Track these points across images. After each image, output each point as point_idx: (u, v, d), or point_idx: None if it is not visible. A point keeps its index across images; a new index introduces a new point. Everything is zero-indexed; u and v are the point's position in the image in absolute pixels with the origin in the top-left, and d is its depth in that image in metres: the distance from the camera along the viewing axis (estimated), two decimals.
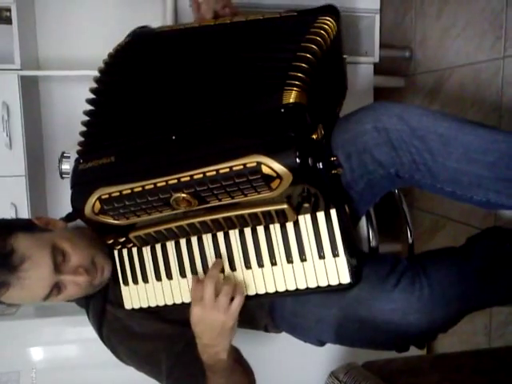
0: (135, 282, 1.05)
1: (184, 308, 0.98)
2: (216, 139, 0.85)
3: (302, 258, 0.96)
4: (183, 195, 0.84)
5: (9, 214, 1.69)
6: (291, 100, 0.83)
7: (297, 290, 0.97)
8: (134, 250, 1.04)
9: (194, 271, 1.00)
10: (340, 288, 0.95)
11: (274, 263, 0.97)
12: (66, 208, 0.98)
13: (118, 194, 0.85)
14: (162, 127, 0.91)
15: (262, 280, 0.98)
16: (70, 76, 1.84)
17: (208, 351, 0.97)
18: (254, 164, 0.79)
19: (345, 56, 1.09)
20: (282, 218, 0.93)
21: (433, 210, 1.82)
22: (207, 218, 0.91)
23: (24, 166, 1.74)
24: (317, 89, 0.90)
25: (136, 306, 1.06)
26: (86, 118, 0.99)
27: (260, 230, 0.97)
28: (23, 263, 0.96)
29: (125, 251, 1.05)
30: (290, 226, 0.96)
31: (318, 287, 0.96)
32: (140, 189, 0.84)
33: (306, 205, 0.90)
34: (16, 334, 1.57)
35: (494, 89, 1.49)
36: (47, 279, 0.98)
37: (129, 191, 0.85)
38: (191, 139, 0.86)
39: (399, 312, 0.98)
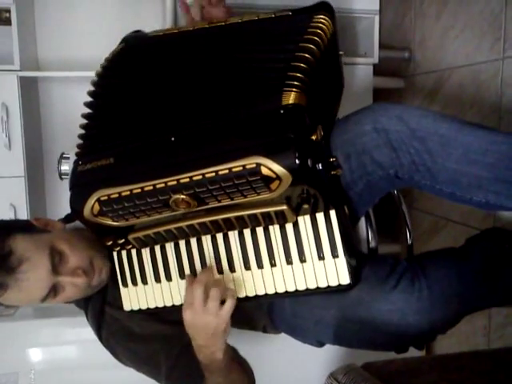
0: (134, 283, 1.05)
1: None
2: (215, 140, 0.85)
3: (302, 259, 0.96)
4: (182, 196, 0.84)
5: (8, 215, 1.69)
6: (290, 101, 0.83)
7: (296, 291, 0.97)
8: (133, 251, 1.04)
9: (193, 273, 1.00)
10: (339, 289, 0.95)
11: (273, 264, 0.97)
12: (65, 209, 0.98)
13: (117, 195, 0.85)
14: (160, 129, 0.91)
15: (262, 281, 0.98)
16: (70, 77, 1.84)
17: (203, 351, 0.97)
18: (254, 165, 0.79)
19: (341, 52, 1.09)
20: (281, 219, 0.93)
21: (432, 211, 1.82)
22: (206, 220, 0.91)
23: (23, 166, 1.75)
24: (315, 89, 0.89)
25: (135, 308, 1.06)
26: (85, 121, 0.99)
27: (259, 231, 0.97)
28: (21, 265, 0.95)
29: (124, 253, 1.05)
30: (289, 227, 0.96)
31: (318, 288, 0.96)
32: (139, 190, 0.84)
33: (306, 206, 0.90)
34: (15, 334, 1.57)
35: (493, 90, 1.49)
36: (45, 281, 0.98)
37: (128, 193, 0.85)
38: (190, 141, 0.86)
39: (398, 313, 0.98)
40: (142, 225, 0.93)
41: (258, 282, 0.98)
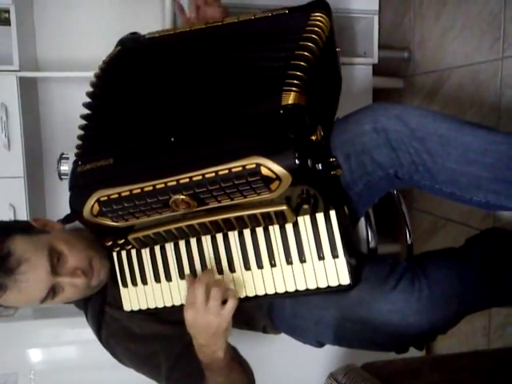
0: (134, 283, 1.05)
1: (183, 309, 0.98)
2: (215, 141, 0.85)
3: (302, 260, 0.96)
4: (182, 197, 0.83)
5: (7, 216, 1.69)
6: (290, 101, 0.83)
7: (296, 291, 0.97)
8: (133, 251, 1.04)
9: (193, 273, 1.00)
10: (339, 289, 0.95)
11: (273, 264, 0.97)
12: (65, 209, 0.98)
13: (116, 195, 0.85)
14: (160, 129, 0.91)
15: (262, 281, 0.98)
16: (69, 77, 1.84)
17: (204, 350, 0.97)
18: (254, 165, 0.79)
19: (338, 49, 1.08)
20: (281, 219, 0.93)
21: (432, 211, 1.82)
22: (206, 220, 0.91)
23: (22, 167, 1.74)
24: (315, 88, 0.89)
25: (135, 308, 1.06)
26: (84, 122, 0.99)
27: (259, 231, 0.97)
28: (20, 266, 0.95)
29: (124, 253, 1.05)
30: (289, 227, 0.96)
31: (318, 288, 0.96)
32: (139, 191, 0.84)
33: (306, 206, 0.90)
34: (14, 335, 1.57)
35: (492, 90, 1.49)
36: (44, 281, 0.98)
37: (127, 193, 0.85)
38: (190, 141, 0.86)
39: (398, 313, 0.98)
40: (142, 225, 0.93)
41: (257, 282, 0.98)
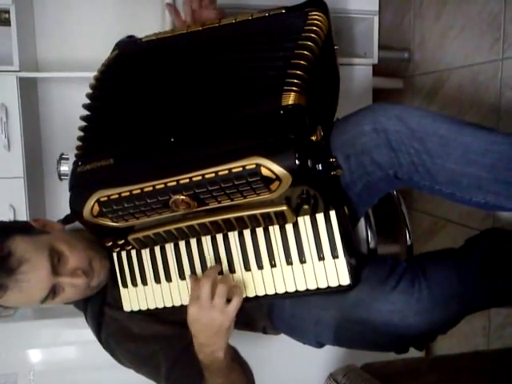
0: (134, 284, 1.05)
1: (183, 309, 0.98)
2: (215, 141, 0.85)
3: (302, 260, 0.96)
4: (182, 197, 0.83)
5: (7, 216, 1.69)
6: (290, 102, 0.83)
7: (296, 291, 0.97)
8: (133, 252, 1.04)
9: (193, 273, 1.00)
10: (339, 290, 0.95)
11: (273, 265, 0.97)
12: (65, 210, 0.98)
13: (116, 196, 0.85)
14: (160, 130, 0.91)
15: (262, 282, 0.98)
16: (69, 77, 1.84)
17: (204, 350, 0.97)
18: (254, 166, 0.79)
19: (336, 47, 1.08)
20: (281, 219, 0.93)
21: (431, 212, 1.82)
22: (206, 220, 0.91)
23: (22, 167, 1.74)
24: (315, 87, 0.89)
25: (135, 309, 1.06)
26: (84, 124, 0.99)
27: (259, 231, 0.97)
28: (21, 266, 0.95)
29: (124, 254, 1.04)
30: (289, 227, 0.96)
31: (318, 289, 0.96)
32: (139, 191, 0.84)
33: (306, 206, 0.90)
34: (14, 335, 1.57)
35: (492, 90, 1.49)
36: (45, 282, 0.98)
37: (128, 193, 0.85)
38: (190, 141, 0.86)
39: (398, 313, 0.98)
40: (142, 225, 0.93)
41: (257, 282, 0.98)
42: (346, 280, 0.94)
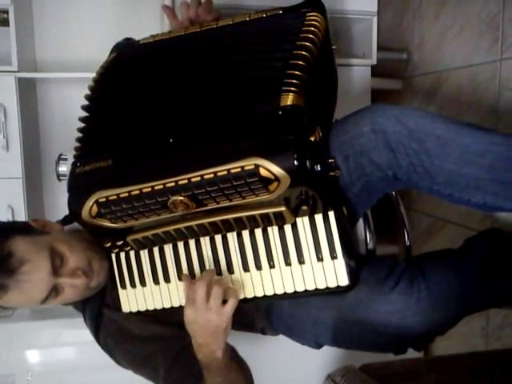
0: (133, 285, 1.05)
1: (182, 310, 0.98)
2: (214, 142, 0.85)
3: (301, 261, 0.96)
4: (181, 198, 0.83)
5: (5, 217, 1.69)
6: (289, 102, 0.83)
7: (295, 292, 0.97)
8: (132, 253, 1.04)
9: (191, 274, 1.00)
10: (338, 290, 0.95)
11: (272, 266, 0.97)
12: (63, 210, 0.98)
13: (115, 197, 0.85)
14: (159, 130, 0.91)
15: (261, 283, 0.98)
16: (68, 78, 1.84)
17: (203, 350, 0.97)
18: (252, 167, 0.79)
19: (334, 47, 1.08)
20: (280, 220, 0.93)
21: (430, 212, 1.82)
22: (205, 221, 0.91)
23: (21, 168, 1.74)
24: (313, 88, 0.89)
25: (134, 310, 1.06)
26: (82, 125, 0.98)
27: (258, 232, 0.97)
28: (22, 266, 0.95)
29: (122, 254, 1.05)
30: (288, 228, 0.96)
31: (317, 290, 0.96)
32: (137, 192, 0.84)
33: (304, 207, 0.90)
34: (12, 336, 1.57)
35: (491, 91, 1.50)
36: (46, 282, 0.98)
37: (126, 194, 0.85)
38: (189, 142, 0.86)
39: (397, 314, 0.98)
40: (141, 226, 0.93)
41: (256, 283, 0.98)
42: (344, 281, 0.94)
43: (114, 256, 1.05)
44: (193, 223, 0.92)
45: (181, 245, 1.00)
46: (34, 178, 1.89)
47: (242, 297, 0.98)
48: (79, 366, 1.57)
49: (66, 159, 1.46)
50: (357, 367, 0.94)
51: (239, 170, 0.79)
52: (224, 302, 0.93)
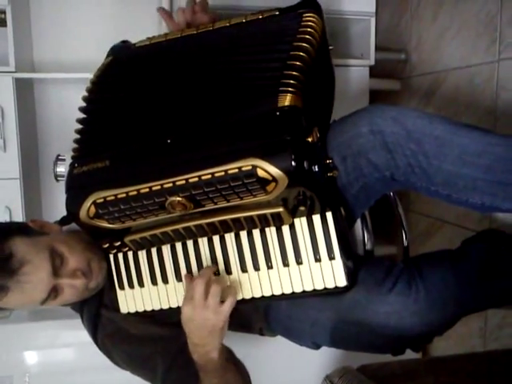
0: (131, 286, 1.05)
1: (180, 311, 0.98)
2: (211, 142, 0.85)
3: (298, 261, 0.96)
4: (178, 199, 0.83)
5: (3, 218, 1.69)
6: (286, 103, 0.83)
7: (293, 293, 0.97)
8: (130, 254, 1.04)
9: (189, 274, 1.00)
10: (336, 291, 0.95)
11: (270, 266, 0.97)
12: (61, 211, 0.97)
13: (113, 197, 0.85)
14: (157, 131, 0.91)
15: (258, 283, 0.98)
16: (65, 78, 1.83)
17: (198, 350, 0.97)
18: (250, 167, 0.79)
19: (331, 47, 1.08)
20: (277, 221, 0.93)
21: (428, 213, 1.82)
22: (203, 222, 0.91)
23: (18, 168, 1.74)
24: (311, 88, 0.90)
25: (132, 310, 1.06)
26: (80, 127, 0.98)
27: (256, 233, 0.97)
28: (22, 267, 0.95)
29: (120, 255, 1.04)
30: (285, 229, 0.96)
31: (315, 290, 0.96)
32: (135, 192, 0.84)
33: (302, 208, 0.90)
34: (10, 337, 1.56)
35: (488, 92, 1.50)
36: (46, 283, 0.98)
37: (124, 195, 0.85)
38: (186, 143, 0.86)
39: (395, 315, 0.98)
40: (139, 227, 0.93)
41: (254, 284, 0.98)
42: (342, 281, 0.94)
43: (112, 257, 1.05)
44: (191, 224, 0.92)
45: (179, 245, 1.00)
46: (31, 179, 1.89)
47: (239, 297, 0.98)
48: (77, 367, 1.56)
49: (63, 160, 1.45)
50: (355, 368, 0.94)
51: (237, 170, 0.79)
52: (222, 301, 0.92)
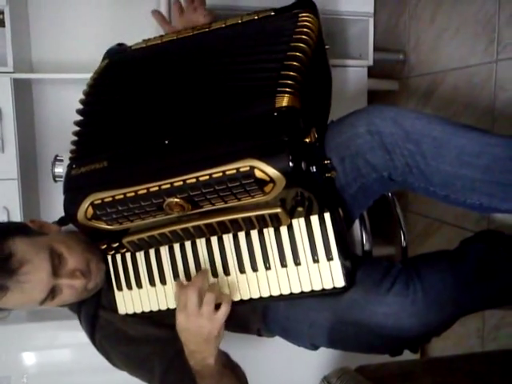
0: (129, 287, 1.05)
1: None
2: (209, 143, 0.85)
3: (296, 262, 0.96)
4: (176, 200, 0.83)
5: (1, 218, 1.68)
6: (284, 104, 0.83)
7: (291, 294, 0.97)
8: (128, 255, 1.04)
9: (187, 276, 1.00)
10: (334, 292, 0.95)
11: (268, 267, 0.97)
12: (59, 211, 0.97)
13: (110, 199, 0.85)
14: (154, 132, 0.91)
15: (256, 284, 0.98)
16: (64, 79, 1.83)
17: (195, 357, 0.97)
18: (247, 168, 0.79)
19: (327, 46, 1.08)
20: (275, 221, 0.93)
21: (426, 214, 1.82)
22: (201, 223, 0.91)
23: (16, 169, 1.73)
24: (308, 89, 0.89)
25: (130, 312, 1.06)
26: (78, 129, 0.98)
27: (254, 234, 0.97)
28: (22, 266, 0.95)
29: (118, 256, 1.04)
30: (283, 229, 0.96)
31: (313, 291, 0.96)
32: (133, 194, 0.84)
33: (300, 208, 0.90)
34: (8, 338, 1.56)
35: (486, 92, 1.50)
36: (45, 283, 0.98)
37: (121, 196, 0.84)
38: (184, 144, 0.86)
39: (393, 316, 0.98)
40: (137, 228, 0.93)
41: (252, 285, 0.98)
42: (340, 282, 0.94)
43: (110, 258, 1.05)
44: (188, 225, 0.92)
45: (177, 247, 1.00)
46: (29, 179, 1.88)
47: (237, 298, 0.98)
48: (75, 368, 1.56)
49: (61, 160, 1.45)
50: (353, 369, 0.94)
51: (234, 171, 0.79)
52: (217, 307, 0.92)
